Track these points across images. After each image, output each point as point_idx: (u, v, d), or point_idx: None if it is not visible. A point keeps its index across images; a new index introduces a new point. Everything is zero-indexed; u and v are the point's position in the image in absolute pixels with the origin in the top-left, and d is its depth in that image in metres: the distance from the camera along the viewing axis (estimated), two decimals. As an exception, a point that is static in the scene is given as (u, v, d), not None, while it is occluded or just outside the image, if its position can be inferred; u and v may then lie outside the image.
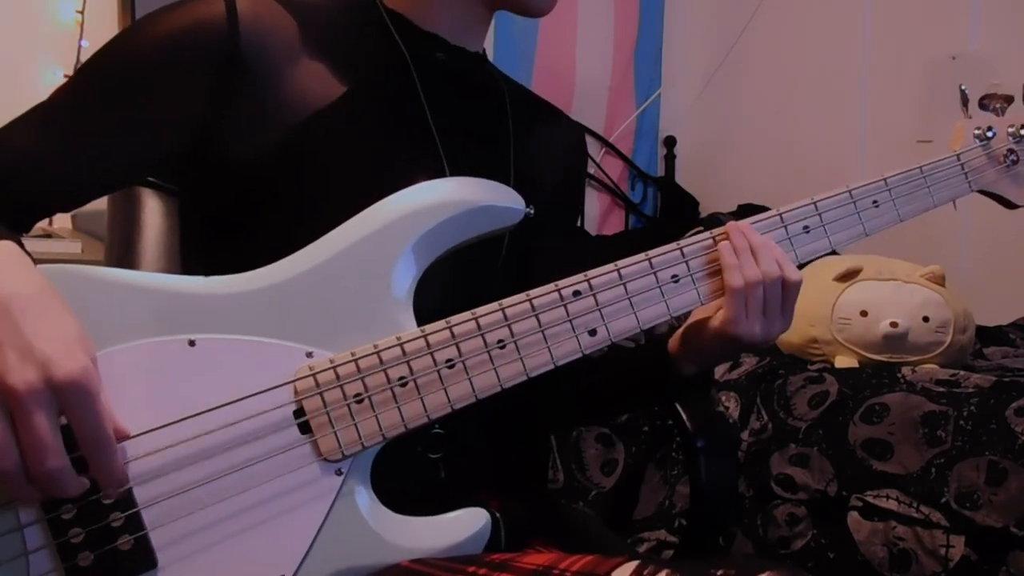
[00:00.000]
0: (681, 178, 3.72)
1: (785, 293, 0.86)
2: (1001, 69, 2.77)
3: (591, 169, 3.35)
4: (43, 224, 2.31)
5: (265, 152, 0.85)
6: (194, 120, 0.85)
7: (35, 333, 0.64)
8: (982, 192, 1.03)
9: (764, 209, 0.92)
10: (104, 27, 2.48)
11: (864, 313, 2.09)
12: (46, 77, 2.42)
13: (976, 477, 1.69)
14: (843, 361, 2.12)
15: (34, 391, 0.63)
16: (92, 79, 0.85)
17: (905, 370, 1.99)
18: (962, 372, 1.94)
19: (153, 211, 1.15)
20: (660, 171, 3.76)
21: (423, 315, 0.79)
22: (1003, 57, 2.90)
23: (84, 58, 2.43)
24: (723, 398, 2.04)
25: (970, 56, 3.01)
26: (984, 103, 1.03)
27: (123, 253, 1.15)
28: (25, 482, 0.64)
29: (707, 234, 0.87)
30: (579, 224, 1.16)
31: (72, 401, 0.64)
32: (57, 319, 0.67)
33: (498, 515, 0.85)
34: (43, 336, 0.64)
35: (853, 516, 1.81)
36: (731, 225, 0.87)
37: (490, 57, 1.07)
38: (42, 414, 0.63)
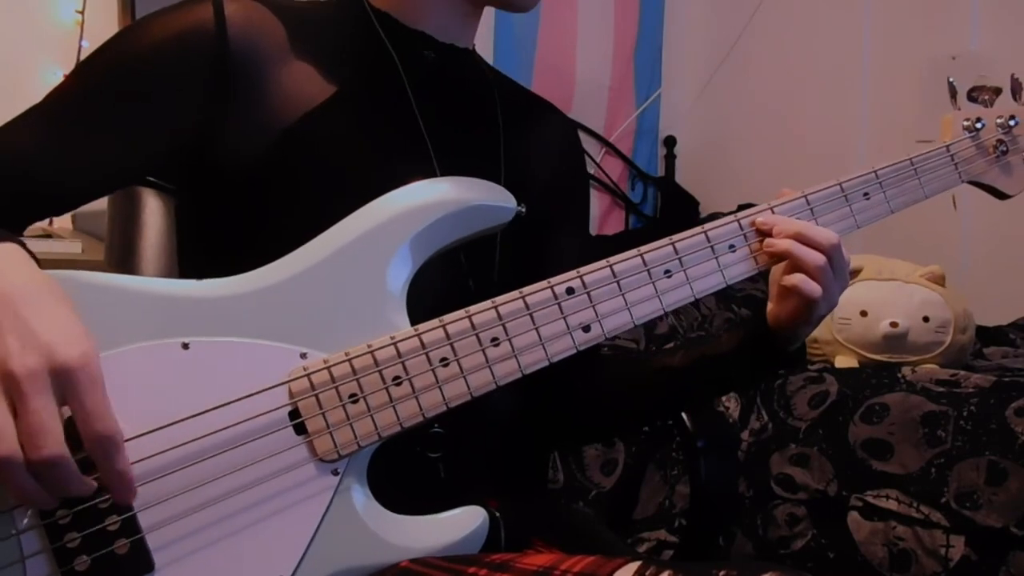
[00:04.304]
0: (681, 178, 3.72)
1: (838, 258, 0.89)
2: (1001, 69, 2.77)
3: (591, 169, 3.34)
4: (43, 224, 2.31)
5: (257, 154, 0.85)
6: (185, 124, 0.85)
7: (38, 322, 0.65)
8: (973, 183, 1.03)
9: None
10: (104, 27, 2.48)
11: (864, 313, 2.09)
12: (46, 77, 2.42)
13: (976, 477, 1.69)
14: (843, 361, 2.12)
15: (34, 375, 0.63)
16: (85, 83, 0.86)
17: (905, 370, 1.99)
18: (962, 372, 1.94)
19: (153, 211, 1.15)
20: (660, 171, 3.76)
21: (416, 315, 0.79)
22: (1003, 57, 2.89)
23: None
24: (723, 398, 2.04)
25: (970, 56, 3.01)
26: (973, 95, 1.04)
27: (123, 253, 1.14)
28: (26, 474, 0.64)
29: (698, 229, 0.87)
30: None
31: (74, 386, 0.64)
32: (61, 312, 0.67)
33: (498, 514, 0.85)
34: (46, 325, 0.65)
35: (853, 516, 1.81)
36: (772, 219, 0.89)
37: (490, 57, 1.07)
38: (42, 399, 0.63)
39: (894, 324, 2.06)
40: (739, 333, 0.96)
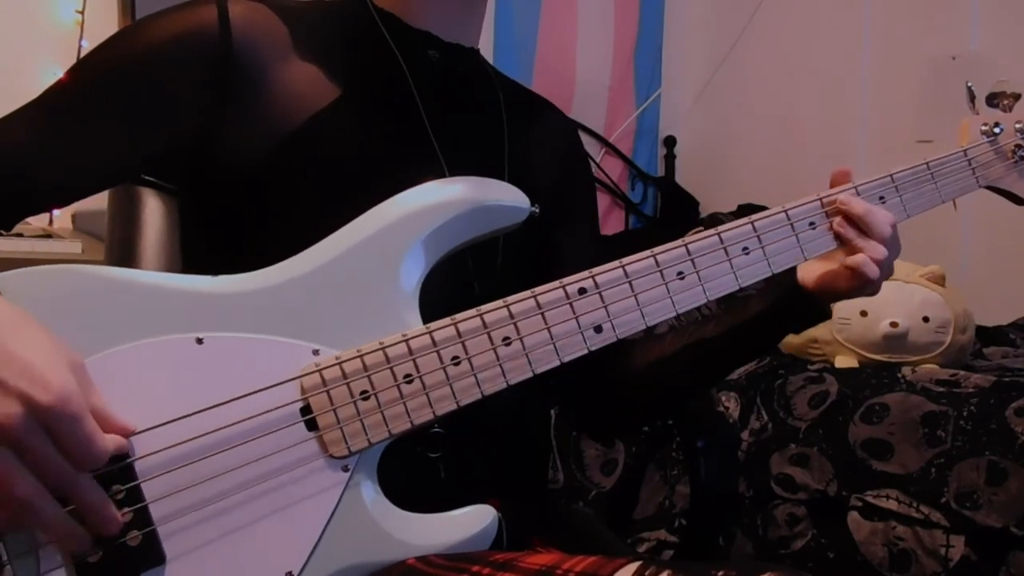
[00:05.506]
0: (681, 178, 3.72)
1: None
2: (1001, 69, 2.77)
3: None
4: (43, 224, 2.31)
5: (261, 155, 0.85)
6: (184, 125, 0.85)
7: (8, 367, 0.63)
8: (990, 188, 1.03)
9: (765, 209, 0.92)
10: (104, 27, 2.47)
11: (864, 313, 2.09)
12: (46, 77, 2.40)
13: (976, 477, 1.69)
14: (843, 361, 2.12)
15: (20, 422, 0.63)
16: (84, 80, 0.85)
17: (905, 370, 1.99)
18: (962, 372, 1.95)
19: (153, 211, 1.15)
20: (660, 171, 3.76)
21: (423, 315, 0.80)
22: (1003, 57, 2.90)
23: (84, 59, 2.43)
24: (723, 398, 2.05)
25: (970, 56, 3.02)
26: (992, 100, 1.03)
27: (123, 253, 1.14)
28: (56, 507, 0.64)
29: (712, 231, 0.87)
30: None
31: (56, 427, 0.64)
32: (25, 344, 0.65)
33: (499, 515, 0.85)
34: (13, 368, 0.64)
35: (853, 516, 1.81)
36: (847, 198, 0.91)
37: (490, 57, 1.07)
38: (37, 438, 0.63)
39: (894, 324, 2.06)
40: (768, 297, 0.97)
